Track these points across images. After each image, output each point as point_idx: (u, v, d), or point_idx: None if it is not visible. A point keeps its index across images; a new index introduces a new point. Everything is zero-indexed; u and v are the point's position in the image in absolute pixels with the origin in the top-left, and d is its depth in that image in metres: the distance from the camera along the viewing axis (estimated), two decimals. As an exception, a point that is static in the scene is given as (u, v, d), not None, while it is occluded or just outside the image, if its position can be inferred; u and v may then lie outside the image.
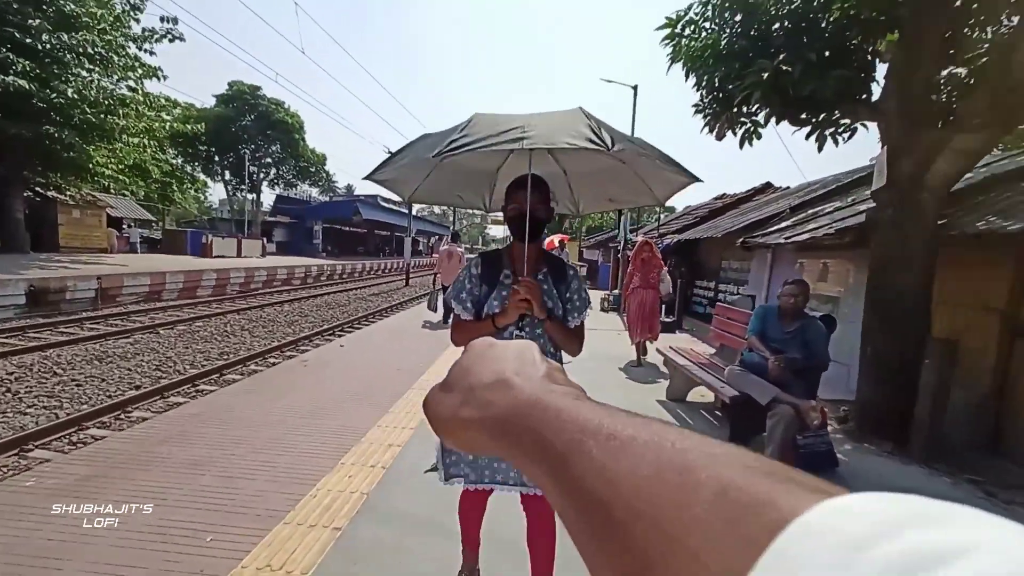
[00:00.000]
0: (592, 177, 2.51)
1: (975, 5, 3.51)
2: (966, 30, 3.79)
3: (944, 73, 3.97)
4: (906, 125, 3.85)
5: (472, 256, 2.07)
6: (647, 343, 6.64)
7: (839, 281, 6.50)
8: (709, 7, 4.45)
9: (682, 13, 4.59)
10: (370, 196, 46.68)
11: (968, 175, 4.51)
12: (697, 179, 2.09)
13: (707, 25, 4.54)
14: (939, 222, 4.09)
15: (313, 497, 2.62)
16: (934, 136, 3.80)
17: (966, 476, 3.45)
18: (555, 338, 1.74)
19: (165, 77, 16.06)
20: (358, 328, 10.22)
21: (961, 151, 3.70)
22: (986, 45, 3.66)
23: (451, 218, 39.23)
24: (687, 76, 4.61)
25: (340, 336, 9.37)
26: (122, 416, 5.08)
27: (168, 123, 17.25)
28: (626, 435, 0.23)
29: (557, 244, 12.01)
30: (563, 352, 1.82)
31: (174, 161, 29.13)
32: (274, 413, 3.96)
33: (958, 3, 3.55)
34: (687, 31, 4.61)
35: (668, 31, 4.66)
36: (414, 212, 33.37)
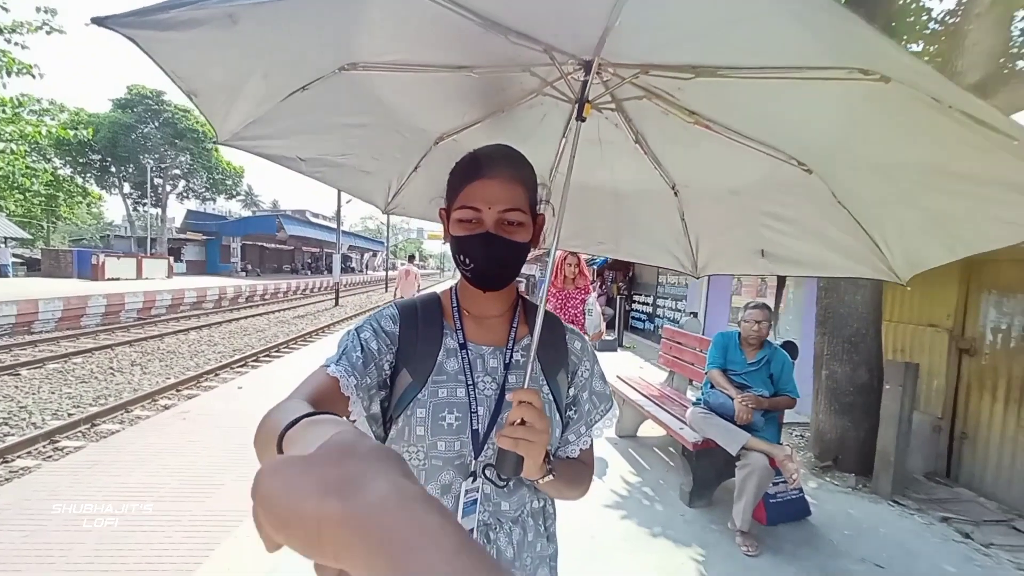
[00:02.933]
0: (730, 201, 1.27)
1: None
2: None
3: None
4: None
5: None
6: None
7: (773, 298, 6.44)
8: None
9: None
10: (297, 211, 44.28)
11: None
12: None
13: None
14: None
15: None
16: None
17: (937, 513, 3.22)
18: (551, 492, 0.87)
19: (41, 75, 13.96)
20: (277, 356, 9.11)
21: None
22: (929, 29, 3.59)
23: (386, 233, 37.70)
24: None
25: (255, 367, 8.25)
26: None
27: (48, 128, 14.95)
28: None
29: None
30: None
31: (60, 172, 25.69)
32: (118, 495, 3.01)
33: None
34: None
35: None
36: (345, 227, 31.77)
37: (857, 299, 3.94)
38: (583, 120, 0.97)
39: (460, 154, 1.07)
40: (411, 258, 10.69)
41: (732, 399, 3.01)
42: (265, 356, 9.30)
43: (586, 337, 0.98)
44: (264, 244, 35.47)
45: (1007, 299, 3.64)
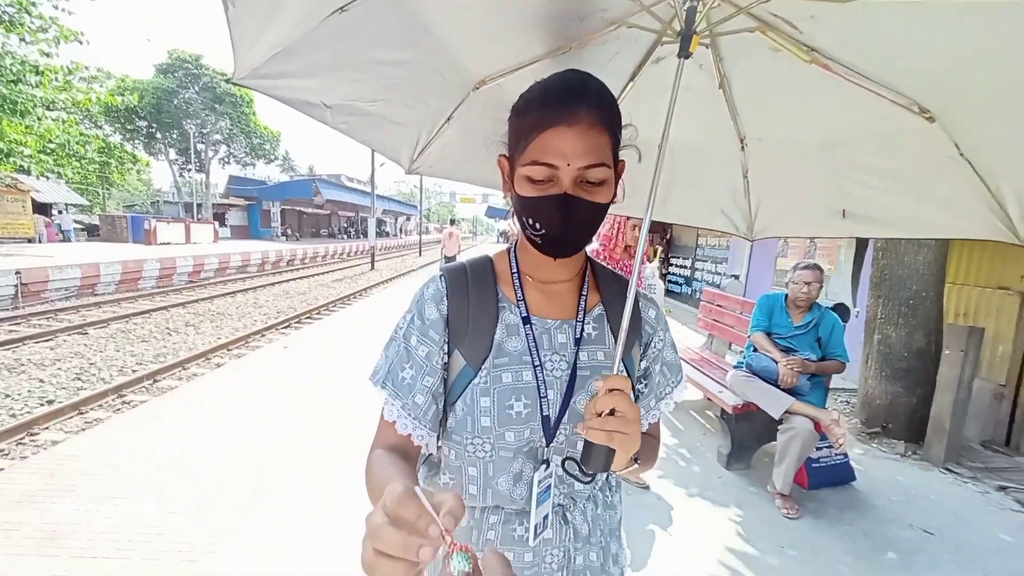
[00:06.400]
0: (816, 156, 1.14)
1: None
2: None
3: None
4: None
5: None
6: None
7: (828, 258, 6.12)
8: None
9: None
10: (332, 175, 44.88)
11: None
12: None
13: None
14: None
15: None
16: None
17: (993, 482, 3.09)
18: (624, 473, 0.80)
19: (88, 42, 14.38)
20: (318, 318, 9.46)
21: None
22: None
23: (419, 197, 37.84)
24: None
25: (297, 328, 8.62)
26: (25, 440, 4.30)
27: (97, 95, 15.47)
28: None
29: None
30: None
31: (110, 139, 26.81)
32: (181, 445, 3.24)
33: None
34: None
35: None
36: (378, 191, 32.03)
37: (919, 260, 3.68)
38: (689, 56, 0.82)
39: (502, 104, 0.92)
40: (452, 221, 13.01)
41: (776, 363, 2.91)
42: (307, 318, 9.68)
43: (660, 303, 0.87)
44: (302, 209, 36.33)
45: (1093, 259, 3.32)
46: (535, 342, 0.75)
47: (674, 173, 1.30)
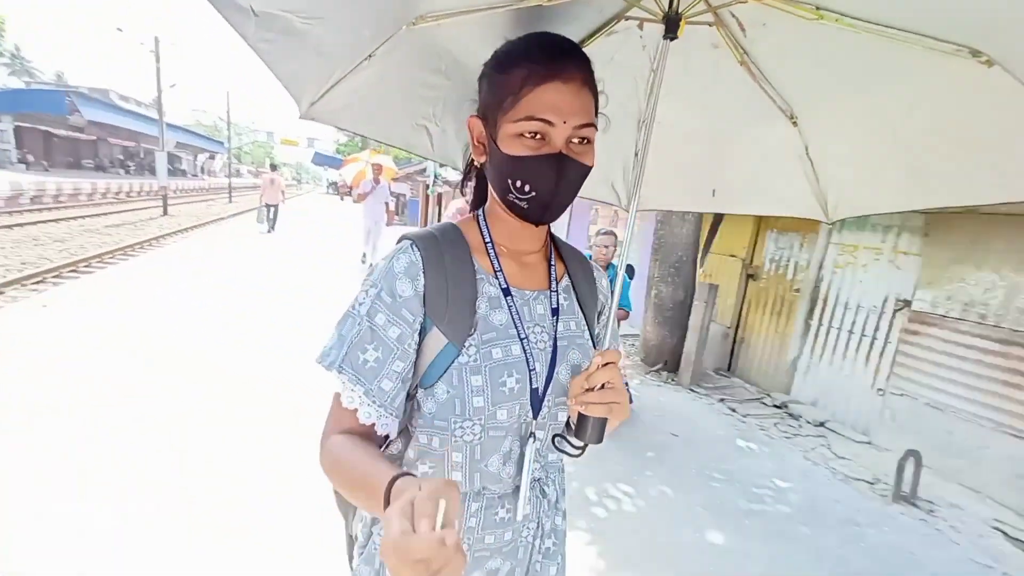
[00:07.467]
0: (705, 142, 1.24)
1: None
2: None
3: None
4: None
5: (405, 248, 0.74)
6: None
7: (625, 227, 7.30)
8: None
9: None
10: (97, 90, 35.13)
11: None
12: None
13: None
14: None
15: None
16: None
17: (718, 396, 4.27)
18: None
19: None
20: (88, 272, 7.62)
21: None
22: None
23: (227, 132, 32.24)
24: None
25: (57, 283, 6.82)
26: None
27: None
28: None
29: (370, 176, 8.66)
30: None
31: None
32: None
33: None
34: None
35: None
36: (170, 120, 26.38)
37: (683, 232, 4.71)
38: (674, 38, 0.80)
39: (430, 52, 0.86)
40: (273, 167, 13.05)
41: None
42: (71, 271, 7.71)
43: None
44: (51, 130, 27.64)
45: (782, 236, 4.70)
46: (518, 314, 0.73)
47: None
